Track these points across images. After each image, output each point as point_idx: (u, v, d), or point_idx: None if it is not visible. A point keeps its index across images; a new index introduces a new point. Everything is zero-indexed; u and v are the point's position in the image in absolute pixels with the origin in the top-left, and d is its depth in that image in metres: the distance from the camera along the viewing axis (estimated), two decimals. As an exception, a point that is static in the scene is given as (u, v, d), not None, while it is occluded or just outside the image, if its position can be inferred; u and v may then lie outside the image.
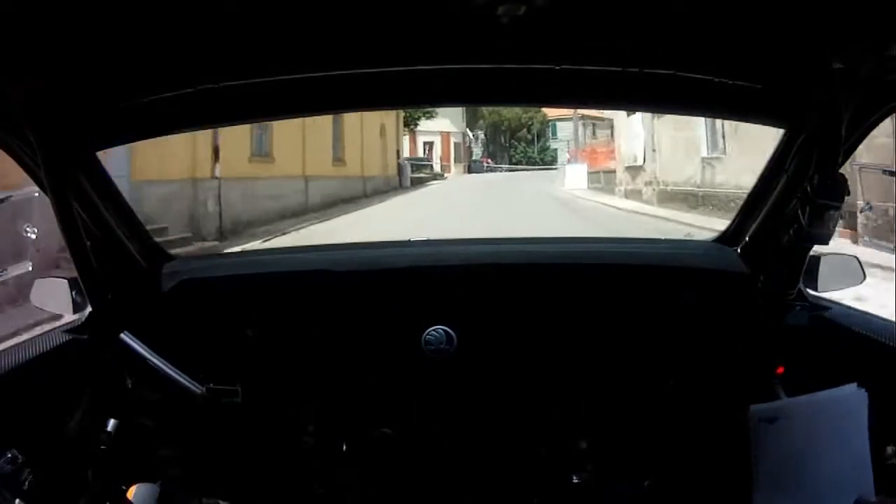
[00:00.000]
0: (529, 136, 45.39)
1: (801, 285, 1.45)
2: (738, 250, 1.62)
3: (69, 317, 1.49)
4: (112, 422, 1.44)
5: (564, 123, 41.73)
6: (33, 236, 1.45)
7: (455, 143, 38.17)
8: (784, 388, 1.44)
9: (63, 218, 1.24)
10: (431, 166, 33.31)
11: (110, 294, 1.41)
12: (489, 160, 42.33)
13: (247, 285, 1.70)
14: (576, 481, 1.66)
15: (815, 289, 1.46)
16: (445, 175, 33.47)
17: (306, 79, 1.25)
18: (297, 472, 1.69)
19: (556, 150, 44.34)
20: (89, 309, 1.44)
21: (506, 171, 39.98)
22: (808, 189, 1.25)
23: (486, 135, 44.97)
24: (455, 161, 38.10)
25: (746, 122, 1.83)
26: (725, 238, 1.69)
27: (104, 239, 1.45)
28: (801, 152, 1.36)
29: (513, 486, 1.68)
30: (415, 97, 1.67)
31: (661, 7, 0.98)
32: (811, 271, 1.44)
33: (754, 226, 1.56)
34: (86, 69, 1.10)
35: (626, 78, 1.23)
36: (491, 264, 1.72)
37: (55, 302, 1.48)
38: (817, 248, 1.37)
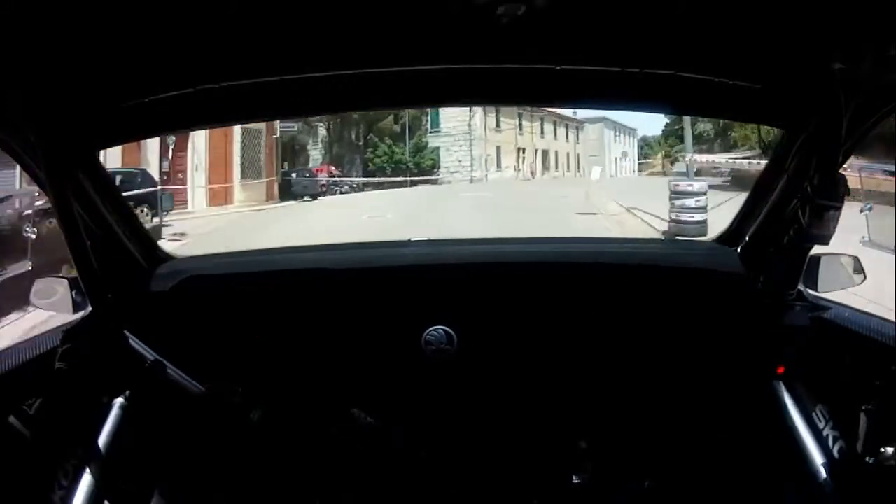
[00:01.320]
0: (397, 129, 28.10)
1: (801, 285, 1.45)
2: (739, 250, 1.62)
3: (69, 317, 1.49)
4: (112, 421, 1.44)
5: (453, 110, 27.89)
6: (33, 236, 1.45)
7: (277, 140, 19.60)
8: (784, 388, 1.44)
9: (63, 218, 1.24)
10: (154, 209, 11.34)
11: (110, 294, 1.41)
12: (332, 168, 25.10)
13: (247, 285, 1.70)
14: (576, 481, 1.67)
15: (815, 289, 1.46)
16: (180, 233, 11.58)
17: (306, 79, 1.25)
18: (297, 471, 1.69)
19: (437, 149, 28.80)
20: (89, 309, 1.44)
21: (356, 187, 24.35)
22: (808, 189, 1.25)
23: (329, 129, 27.26)
24: (243, 173, 17.38)
25: (746, 122, 1.83)
26: (726, 238, 1.69)
27: (104, 239, 1.45)
28: (801, 152, 1.36)
29: (513, 486, 1.68)
30: (415, 97, 1.67)
31: (661, 7, 0.98)
32: (811, 271, 1.43)
33: (754, 226, 1.56)
34: (86, 69, 1.10)
35: (626, 78, 1.23)
36: (491, 264, 1.72)
37: (55, 302, 1.48)
38: (817, 248, 1.37)
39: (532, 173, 31.94)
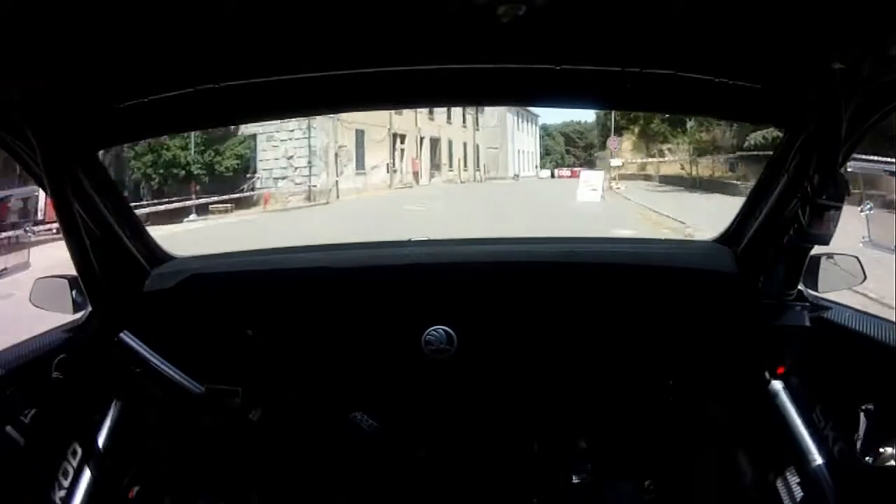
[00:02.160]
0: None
1: (801, 285, 1.45)
2: (739, 251, 1.62)
3: (69, 317, 1.49)
4: (111, 421, 1.44)
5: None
6: (33, 236, 1.45)
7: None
8: (784, 388, 1.44)
9: (63, 218, 1.25)
10: None
11: (110, 294, 1.41)
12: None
13: (247, 284, 1.70)
14: (576, 481, 1.67)
15: (816, 289, 1.46)
16: None
17: (306, 79, 1.25)
18: (296, 470, 1.69)
19: (253, 138, 17.98)
20: (89, 309, 1.44)
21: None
22: (808, 189, 1.25)
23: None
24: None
25: (746, 122, 1.82)
26: (726, 238, 1.69)
27: (104, 239, 1.45)
28: (801, 152, 1.36)
29: (513, 486, 1.68)
30: (415, 97, 1.67)
31: (661, 7, 0.98)
32: (811, 271, 1.44)
33: (755, 226, 1.56)
34: (86, 69, 1.10)
35: (626, 78, 1.23)
36: (491, 264, 1.72)
37: (55, 302, 1.48)
38: (817, 248, 1.37)
39: (416, 176, 20.34)
